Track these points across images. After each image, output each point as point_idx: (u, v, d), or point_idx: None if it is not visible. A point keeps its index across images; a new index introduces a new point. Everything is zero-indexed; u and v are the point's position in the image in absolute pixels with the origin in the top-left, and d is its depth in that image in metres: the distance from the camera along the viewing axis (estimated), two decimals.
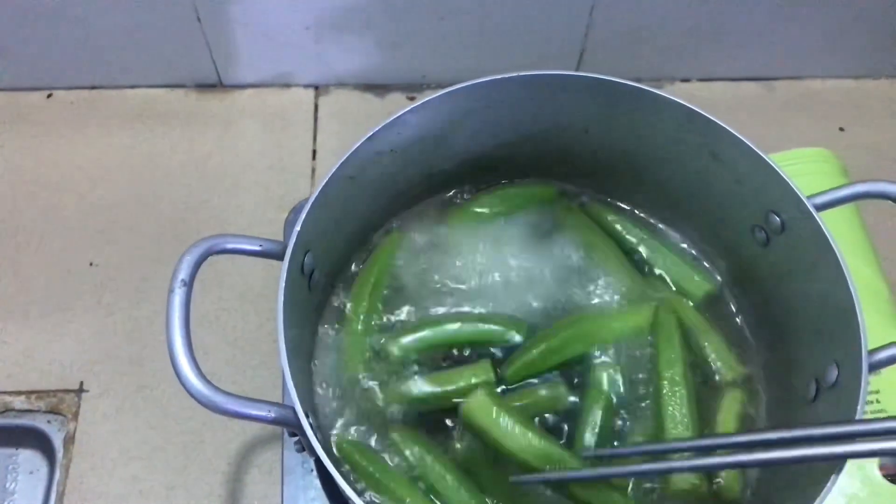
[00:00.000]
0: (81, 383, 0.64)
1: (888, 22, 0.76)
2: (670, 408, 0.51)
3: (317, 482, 0.55)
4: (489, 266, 0.57)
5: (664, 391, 0.52)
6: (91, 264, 0.70)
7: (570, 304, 0.56)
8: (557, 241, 0.59)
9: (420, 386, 0.51)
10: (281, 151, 0.76)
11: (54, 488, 0.60)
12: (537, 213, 0.60)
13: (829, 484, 0.40)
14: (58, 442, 0.62)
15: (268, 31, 0.73)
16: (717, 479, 0.50)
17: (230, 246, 0.43)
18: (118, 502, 0.60)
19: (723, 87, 0.82)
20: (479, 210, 0.60)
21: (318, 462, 0.44)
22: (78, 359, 0.65)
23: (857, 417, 0.41)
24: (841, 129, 0.80)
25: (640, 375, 0.54)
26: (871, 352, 0.44)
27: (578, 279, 0.57)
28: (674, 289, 0.57)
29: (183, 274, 0.41)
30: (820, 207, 0.47)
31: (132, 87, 0.78)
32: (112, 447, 0.62)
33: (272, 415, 0.40)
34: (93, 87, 0.78)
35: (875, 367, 0.43)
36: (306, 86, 0.80)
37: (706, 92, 0.81)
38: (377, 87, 0.80)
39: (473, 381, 0.51)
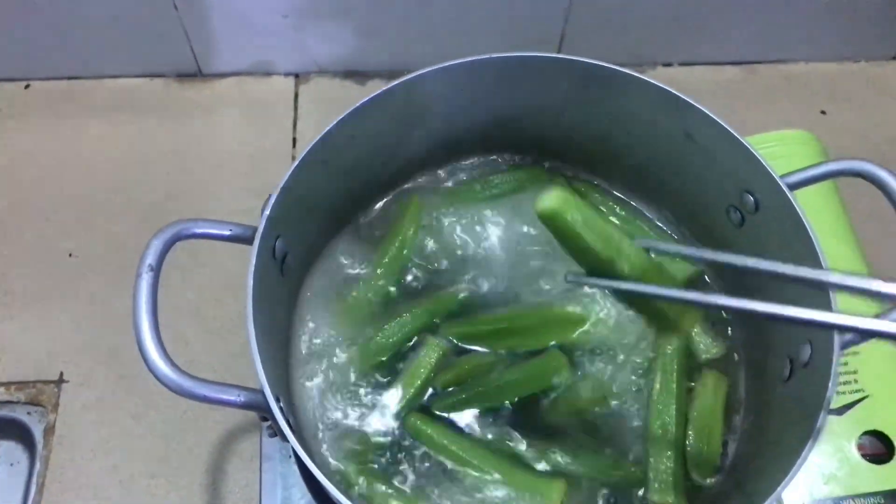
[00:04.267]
0: (61, 374, 0.64)
1: (868, 5, 0.76)
2: (660, 378, 0.53)
3: (295, 468, 0.55)
4: (493, 244, 0.58)
5: (658, 364, 0.53)
6: (70, 255, 0.69)
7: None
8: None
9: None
10: (261, 140, 0.76)
11: (35, 479, 0.60)
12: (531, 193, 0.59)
13: (805, 451, 0.40)
14: (38, 433, 0.61)
15: (246, 19, 0.73)
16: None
17: (199, 231, 0.43)
18: (99, 492, 0.60)
19: (704, 71, 0.82)
20: (477, 190, 0.60)
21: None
22: (57, 349, 0.65)
23: (829, 394, 0.41)
24: (823, 112, 0.80)
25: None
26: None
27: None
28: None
29: (150, 259, 0.41)
30: (793, 186, 0.47)
31: (111, 77, 0.78)
32: (92, 437, 0.62)
33: (241, 399, 0.40)
34: (71, 78, 0.78)
35: (847, 346, 0.43)
36: (286, 74, 0.79)
37: (688, 76, 0.81)
38: (358, 75, 0.79)
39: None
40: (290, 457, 0.56)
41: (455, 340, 0.54)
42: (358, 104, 0.48)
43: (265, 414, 0.42)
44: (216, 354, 0.65)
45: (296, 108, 0.78)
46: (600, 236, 0.46)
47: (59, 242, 0.70)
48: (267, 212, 0.44)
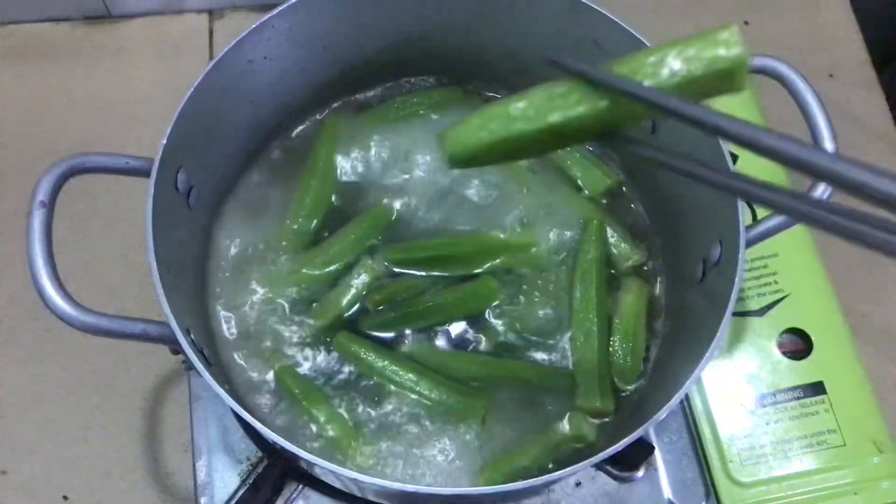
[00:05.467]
0: None
1: None
2: (580, 288, 0.53)
3: (226, 406, 0.55)
4: (418, 167, 0.57)
5: (577, 275, 0.54)
6: None
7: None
8: None
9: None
10: (177, 80, 0.73)
11: None
12: (449, 114, 0.58)
13: (715, 340, 0.41)
14: None
15: None
16: None
17: (93, 164, 0.42)
18: (33, 447, 0.59)
19: None
20: (395, 110, 0.59)
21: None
22: None
23: (735, 289, 0.42)
24: (746, 23, 0.79)
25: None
26: (748, 227, 0.44)
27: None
28: (580, 184, 0.57)
29: (42, 195, 0.40)
30: None
31: (13, 23, 0.74)
32: (23, 392, 0.61)
33: (148, 331, 0.40)
34: None
35: (752, 242, 0.44)
36: (199, 11, 0.76)
37: None
38: (274, 7, 0.77)
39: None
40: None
41: (391, 266, 0.54)
42: (254, 25, 0.46)
43: (175, 346, 0.41)
44: (147, 301, 0.64)
45: (211, 46, 0.75)
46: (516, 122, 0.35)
47: None
48: (163, 141, 0.43)
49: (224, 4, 0.76)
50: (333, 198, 0.56)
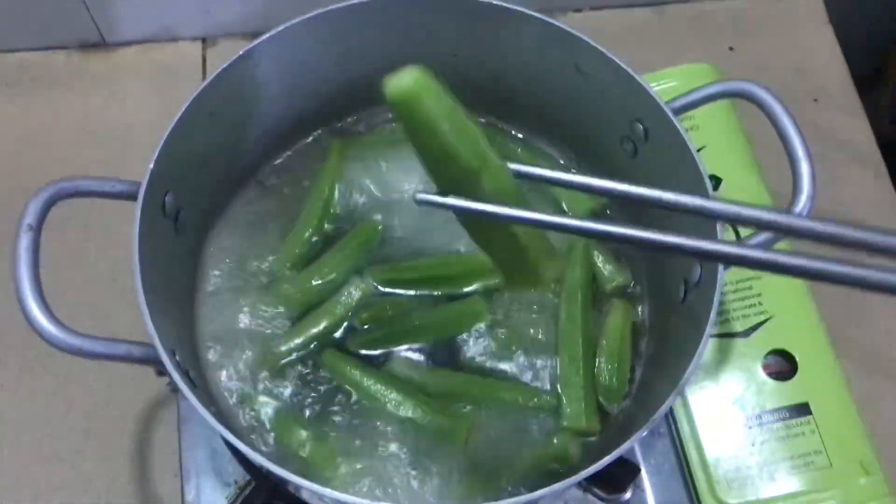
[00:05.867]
0: None
1: None
2: (565, 309, 0.54)
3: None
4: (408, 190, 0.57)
5: (563, 296, 0.54)
6: None
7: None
8: None
9: None
10: (170, 106, 0.72)
11: None
12: None
13: (694, 359, 0.42)
14: None
15: None
16: None
17: (81, 188, 0.43)
18: (23, 471, 0.59)
19: (614, 14, 0.82)
20: (385, 135, 0.60)
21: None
22: None
23: (714, 307, 0.42)
24: (730, 49, 0.80)
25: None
26: None
27: None
28: (565, 207, 0.58)
29: (29, 219, 0.40)
30: (677, 111, 0.48)
31: (9, 51, 0.76)
32: (13, 418, 0.61)
33: (133, 353, 0.40)
34: None
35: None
36: (193, 38, 0.78)
37: (598, 21, 0.81)
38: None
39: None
40: None
41: (379, 285, 0.54)
42: (242, 51, 0.47)
43: (161, 368, 0.41)
44: (136, 323, 0.64)
45: (204, 73, 0.76)
46: (464, 137, 0.36)
47: None
48: (151, 165, 0.44)
49: (217, 32, 0.78)
50: (326, 224, 0.57)
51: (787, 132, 0.44)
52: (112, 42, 0.77)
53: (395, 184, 0.58)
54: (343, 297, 0.53)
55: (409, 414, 0.49)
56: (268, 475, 0.49)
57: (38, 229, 0.40)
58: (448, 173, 0.37)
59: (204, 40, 0.78)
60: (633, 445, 0.54)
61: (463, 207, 0.37)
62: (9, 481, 0.59)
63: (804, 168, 0.43)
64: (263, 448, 0.49)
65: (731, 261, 0.35)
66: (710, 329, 0.42)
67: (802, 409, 0.56)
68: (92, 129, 0.73)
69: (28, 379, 0.62)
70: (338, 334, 0.53)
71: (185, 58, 0.77)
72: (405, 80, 0.35)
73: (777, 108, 0.45)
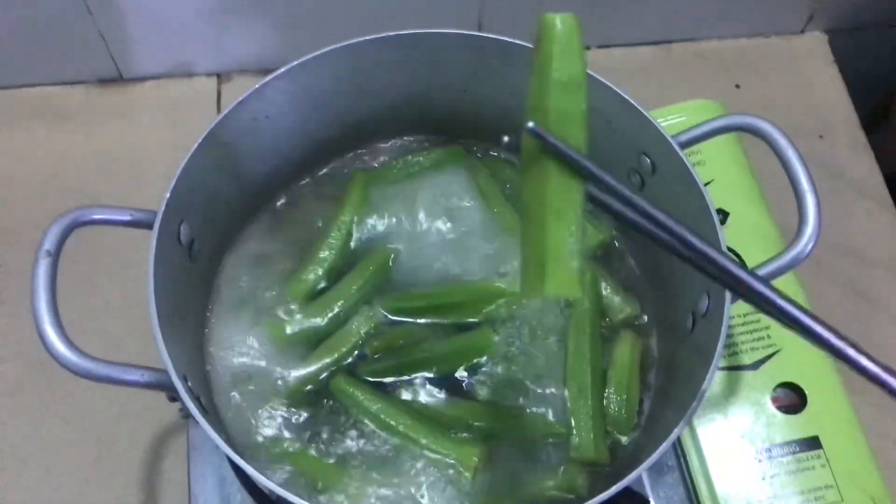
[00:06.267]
0: None
1: None
2: (574, 339, 0.54)
3: (223, 458, 0.55)
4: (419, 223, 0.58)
5: (571, 326, 0.55)
6: None
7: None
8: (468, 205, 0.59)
9: None
10: (185, 140, 0.73)
11: None
12: (450, 174, 0.60)
13: (701, 390, 0.41)
14: None
15: (162, 20, 0.73)
16: None
17: (98, 217, 0.43)
18: (32, 497, 0.59)
19: (621, 52, 0.83)
20: (398, 170, 0.61)
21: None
22: None
23: (722, 338, 0.43)
24: (737, 87, 0.82)
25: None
26: None
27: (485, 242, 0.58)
28: None
29: (48, 245, 0.41)
30: (684, 144, 0.49)
31: (28, 85, 0.78)
32: (23, 445, 0.61)
33: (145, 378, 0.41)
34: None
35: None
36: (208, 74, 0.80)
37: (605, 58, 0.83)
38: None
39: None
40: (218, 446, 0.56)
41: (389, 314, 0.55)
42: (256, 85, 0.48)
43: (173, 394, 0.42)
44: (149, 350, 0.65)
45: (219, 108, 0.78)
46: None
47: None
48: (167, 195, 0.45)
49: (232, 68, 0.79)
50: (343, 255, 0.57)
51: (792, 165, 0.45)
52: (129, 77, 0.79)
53: (414, 215, 0.59)
54: (353, 327, 0.54)
55: (420, 441, 0.50)
56: (276, 502, 0.49)
57: (56, 255, 0.41)
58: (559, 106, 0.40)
59: (219, 76, 0.80)
60: (641, 476, 0.54)
61: (563, 149, 0.39)
62: None
63: (810, 200, 0.44)
64: (272, 474, 0.49)
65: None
66: (717, 359, 0.42)
67: (813, 443, 0.56)
68: (108, 160, 0.74)
69: (40, 406, 0.63)
70: (349, 362, 0.53)
71: (200, 93, 0.79)
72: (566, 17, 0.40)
73: (782, 142, 0.46)
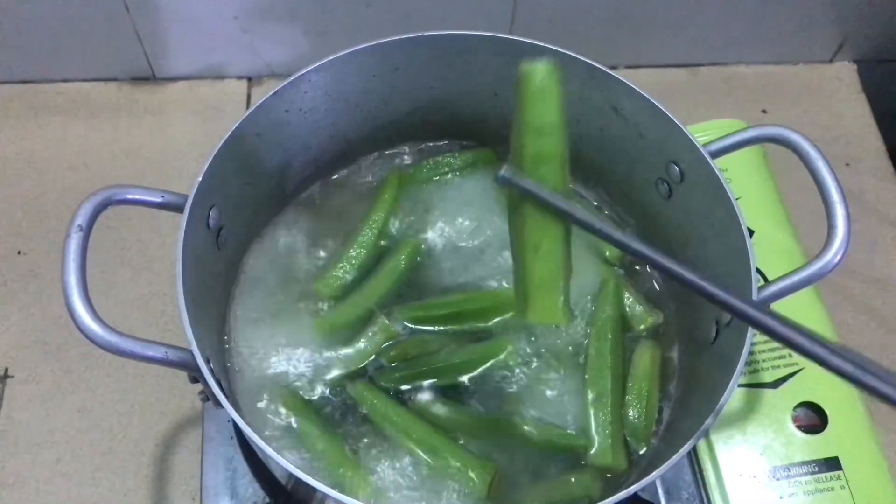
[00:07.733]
0: (6, 369, 0.64)
1: (804, 9, 0.79)
2: (594, 346, 0.54)
3: (238, 448, 0.55)
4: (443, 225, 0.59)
5: (592, 334, 0.55)
6: (19, 253, 0.70)
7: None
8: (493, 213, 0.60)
9: None
10: (213, 138, 0.74)
11: None
12: (478, 179, 0.61)
13: (721, 399, 0.41)
14: None
15: (197, 22, 0.74)
16: None
17: (130, 196, 0.44)
18: (41, 486, 0.59)
19: (649, 73, 0.84)
20: (427, 171, 0.61)
21: (237, 426, 0.44)
22: (4, 345, 0.65)
23: (746, 350, 0.42)
24: (763, 112, 0.82)
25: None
26: (760, 288, 0.45)
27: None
28: (599, 248, 0.59)
29: (80, 220, 0.42)
30: (714, 154, 0.49)
31: (64, 80, 0.79)
32: (37, 432, 0.61)
33: (169, 356, 0.41)
34: (23, 82, 0.79)
35: (763, 303, 0.45)
36: (239, 77, 0.81)
37: (633, 78, 0.81)
38: None
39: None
40: (233, 437, 0.56)
41: (407, 323, 0.55)
42: (291, 78, 0.49)
43: (195, 374, 0.42)
44: (171, 336, 0.65)
45: (248, 109, 0.79)
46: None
47: (8, 241, 0.70)
48: (199, 178, 0.45)
49: (262, 72, 0.81)
50: (373, 253, 0.58)
51: (821, 175, 0.45)
52: (161, 77, 0.80)
53: (445, 219, 0.59)
54: (370, 335, 0.54)
55: (436, 451, 0.49)
56: (290, 494, 0.49)
57: (87, 230, 0.41)
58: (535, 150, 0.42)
59: (249, 79, 0.81)
60: (658, 491, 0.53)
61: (533, 190, 0.41)
62: (28, 495, 0.59)
63: (839, 210, 0.44)
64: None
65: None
66: (742, 365, 0.42)
67: (832, 464, 0.55)
68: (138, 154, 0.75)
69: (56, 396, 0.63)
70: (366, 368, 0.53)
71: (230, 95, 0.80)
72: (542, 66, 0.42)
73: (812, 153, 0.46)
